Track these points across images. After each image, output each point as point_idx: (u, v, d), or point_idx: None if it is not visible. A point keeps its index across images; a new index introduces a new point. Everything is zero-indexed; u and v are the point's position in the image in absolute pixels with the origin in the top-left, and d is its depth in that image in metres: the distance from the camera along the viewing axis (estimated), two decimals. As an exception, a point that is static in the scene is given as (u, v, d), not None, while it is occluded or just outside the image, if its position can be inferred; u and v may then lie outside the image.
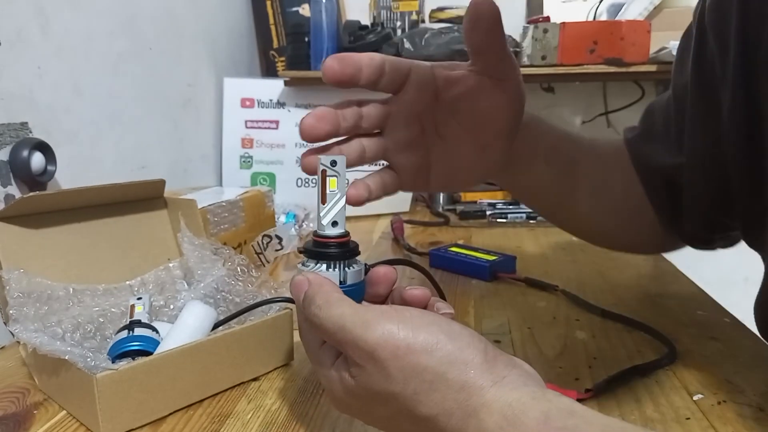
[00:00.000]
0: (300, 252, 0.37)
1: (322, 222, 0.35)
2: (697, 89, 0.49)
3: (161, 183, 0.57)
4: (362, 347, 0.29)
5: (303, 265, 0.35)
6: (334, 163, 0.34)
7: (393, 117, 0.42)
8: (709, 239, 0.55)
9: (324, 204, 0.34)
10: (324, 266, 0.34)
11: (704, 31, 0.49)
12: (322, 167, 0.34)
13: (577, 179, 0.56)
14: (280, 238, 0.84)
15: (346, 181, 0.35)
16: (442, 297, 0.42)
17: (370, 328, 0.29)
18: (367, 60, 0.38)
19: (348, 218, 0.35)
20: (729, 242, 0.55)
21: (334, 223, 0.35)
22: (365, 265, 0.36)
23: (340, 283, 0.34)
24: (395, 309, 0.31)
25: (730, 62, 0.45)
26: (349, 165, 0.37)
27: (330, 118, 0.38)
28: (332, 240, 0.35)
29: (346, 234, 0.35)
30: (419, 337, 0.29)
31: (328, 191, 0.34)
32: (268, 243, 0.81)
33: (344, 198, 0.35)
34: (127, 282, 0.54)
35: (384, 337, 0.29)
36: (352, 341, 0.30)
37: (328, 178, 0.34)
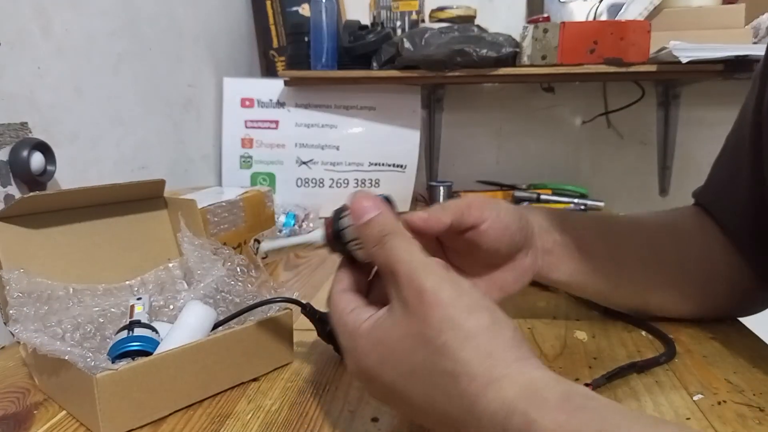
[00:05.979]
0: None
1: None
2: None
3: (161, 183, 0.57)
4: (416, 285, 0.32)
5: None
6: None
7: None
8: None
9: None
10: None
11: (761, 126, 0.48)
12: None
13: (622, 265, 0.53)
14: None
15: None
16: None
17: (429, 274, 0.32)
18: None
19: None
20: None
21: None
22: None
23: None
24: (452, 271, 0.34)
25: None
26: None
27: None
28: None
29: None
30: (464, 299, 0.32)
31: None
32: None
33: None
34: (127, 282, 0.54)
35: (436, 287, 0.32)
36: (410, 275, 0.33)
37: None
